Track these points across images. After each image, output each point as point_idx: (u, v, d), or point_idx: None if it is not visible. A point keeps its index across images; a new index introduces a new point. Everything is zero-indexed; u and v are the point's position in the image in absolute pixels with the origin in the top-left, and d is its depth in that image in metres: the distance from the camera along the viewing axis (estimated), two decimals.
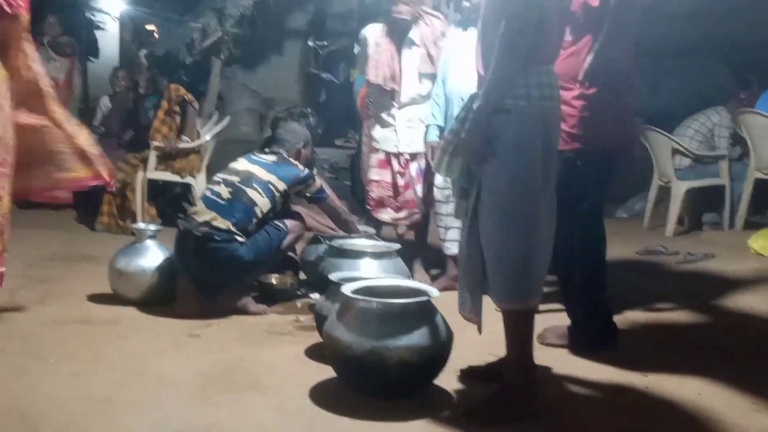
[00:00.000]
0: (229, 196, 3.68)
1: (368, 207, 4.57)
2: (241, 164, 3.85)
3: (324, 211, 4.09)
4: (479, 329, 2.62)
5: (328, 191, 4.01)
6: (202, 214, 3.65)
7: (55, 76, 6.80)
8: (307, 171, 3.88)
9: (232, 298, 3.72)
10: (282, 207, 3.83)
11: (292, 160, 3.90)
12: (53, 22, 6.92)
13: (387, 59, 4.34)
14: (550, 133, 2.52)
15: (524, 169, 2.44)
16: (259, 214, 3.68)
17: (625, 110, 3.20)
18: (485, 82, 2.46)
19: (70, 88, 6.94)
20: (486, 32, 2.54)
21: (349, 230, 4.06)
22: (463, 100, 3.92)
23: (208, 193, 3.77)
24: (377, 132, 4.49)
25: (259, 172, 3.76)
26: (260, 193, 3.69)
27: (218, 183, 3.78)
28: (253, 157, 3.88)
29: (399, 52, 4.36)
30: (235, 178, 3.75)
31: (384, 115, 4.44)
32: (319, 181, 3.93)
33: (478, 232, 2.52)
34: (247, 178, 3.73)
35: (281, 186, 3.76)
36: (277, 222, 3.76)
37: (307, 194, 3.91)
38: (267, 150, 3.98)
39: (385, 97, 4.41)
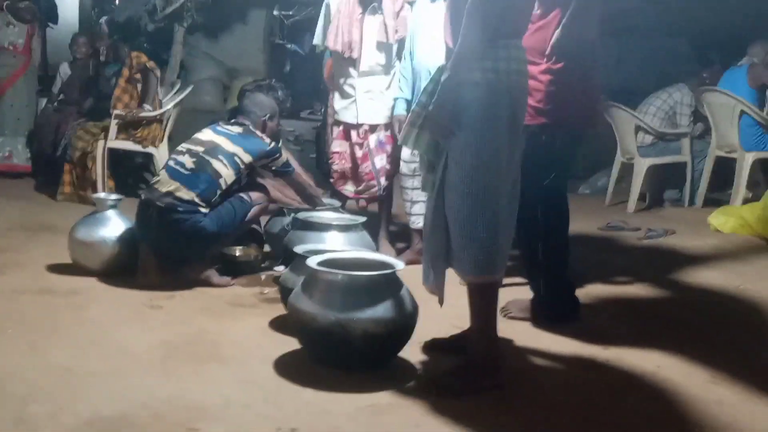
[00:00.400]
0: (193, 166, 3.63)
1: (331, 180, 4.54)
2: (206, 135, 3.79)
3: (290, 185, 4.05)
4: (441, 302, 2.63)
5: (295, 165, 3.98)
6: (165, 184, 3.60)
7: (13, 42, 6.63)
8: (273, 144, 3.84)
9: (195, 270, 3.68)
10: (247, 179, 3.79)
11: (257, 132, 3.85)
12: None
13: (346, 26, 4.28)
14: (517, 108, 2.52)
15: (490, 142, 2.44)
16: (224, 186, 3.64)
17: (591, 86, 3.21)
18: (453, 55, 2.44)
19: (29, 54, 6.76)
20: (455, 4, 2.51)
21: (315, 205, 4.04)
22: (430, 73, 3.90)
23: (172, 163, 3.71)
24: (338, 103, 4.44)
25: (224, 144, 3.71)
26: (225, 165, 3.64)
27: (182, 153, 3.72)
28: (219, 128, 3.83)
29: (361, 19, 4.30)
30: (199, 149, 3.69)
31: (344, 85, 4.39)
32: (285, 155, 3.89)
33: (443, 205, 2.52)
34: (212, 149, 3.67)
35: (247, 158, 3.71)
36: (241, 194, 3.72)
37: (273, 168, 3.87)
38: (233, 121, 3.93)
39: (345, 65, 4.37)
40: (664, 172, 6.39)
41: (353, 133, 4.39)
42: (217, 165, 3.63)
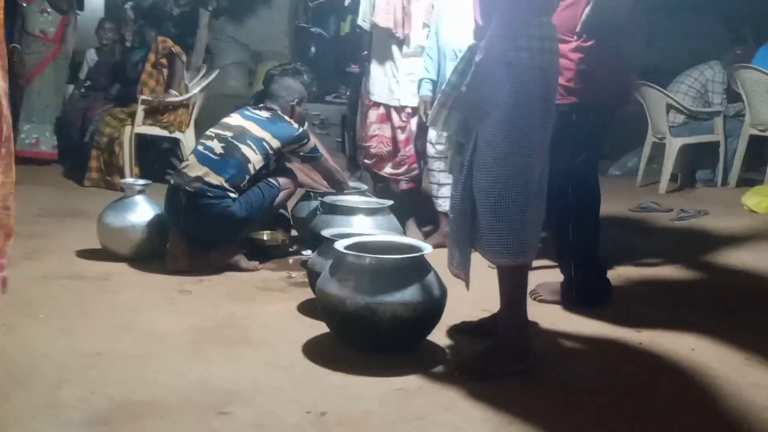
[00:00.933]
0: (222, 151, 3.62)
1: (367, 162, 4.50)
2: (235, 119, 3.78)
3: (317, 170, 4.03)
4: (467, 285, 2.60)
5: (322, 150, 3.96)
6: (194, 169, 3.60)
7: (44, 29, 6.66)
8: (301, 130, 3.81)
9: (223, 255, 3.68)
10: (275, 164, 3.78)
11: (286, 117, 3.83)
12: None
13: (399, 3, 4.20)
14: (549, 87, 2.48)
15: (523, 122, 2.39)
16: (252, 171, 3.63)
17: (623, 63, 3.15)
18: (488, 33, 2.39)
19: (61, 43, 6.78)
20: None
21: (342, 189, 4.01)
22: (455, 53, 3.87)
23: (201, 148, 3.70)
24: (378, 85, 4.38)
25: (252, 129, 3.69)
26: (253, 150, 3.63)
27: (211, 138, 3.71)
28: (247, 113, 3.81)
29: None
30: (228, 134, 3.68)
31: (386, 66, 4.33)
32: (313, 140, 3.87)
33: (471, 187, 2.48)
34: (241, 134, 3.66)
35: (275, 144, 3.70)
36: (269, 179, 3.72)
37: (301, 153, 3.85)
38: (261, 105, 3.91)
39: (389, 45, 4.30)
40: (697, 151, 6.28)
41: (395, 116, 4.34)
42: (245, 150, 3.62)
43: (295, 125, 3.81)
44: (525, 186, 2.42)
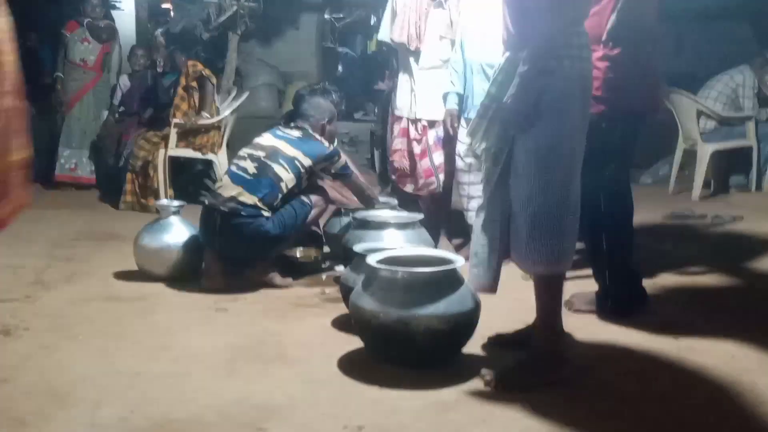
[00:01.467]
0: (255, 171, 3.66)
1: (393, 178, 4.52)
2: (267, 139, 3.83)
3: (348, 187, 4.07)
4: (488, 289, 2.59)
5: (352, 167, 3.99)
6: (228, 189, 3.65)
7: (84, 57, 6.81)
8: (332, 148, 3.85)
9: (258, 273, 3.72)
10: (307, 183, 3.82)
11: (317, 135, 3.87)
12: (96, 3, 6.88)
13: (413, 17, 4.24)
14: (587, 95, 2.49)
15: (565, 130, 2.40)
16: (285, 190, 3.66)
17: (651, 70, 3.13)
18: (529, 44, 2.40)
19: (100, 70, 6.91)
20: None
21: (373, 205, 4.04)
22: (483, 67, 3.88)
23: (234, 168, 3.76)
24: (400, 98, 4.41)
25: (284, 148, 3.74)
26: (286, 169, 3.67)
27: (244, 158, 3.76)
28: (279, 132, 3.86)
29: (427, 13, 4.26)
30: (260, 153, 3.73)
31: (406, 79, 4.36)
32: (343, 158, 3.90)
33: (503, 196, 2.48)
34: (273, 154, 3.71)
35: (307, 162, 3.73)
36: (301, 196, 3.75)
37: (332, 170, 3.89)
38: (292, 125, 3.95)
39: (408, 59, 4.34)
40: (729, 157, 6.21)
41: (411, 129, 4.36)
42: (278, 169, 3.66)
43: (326, 143, 3.85)
44: (564, 194, 2.42)
